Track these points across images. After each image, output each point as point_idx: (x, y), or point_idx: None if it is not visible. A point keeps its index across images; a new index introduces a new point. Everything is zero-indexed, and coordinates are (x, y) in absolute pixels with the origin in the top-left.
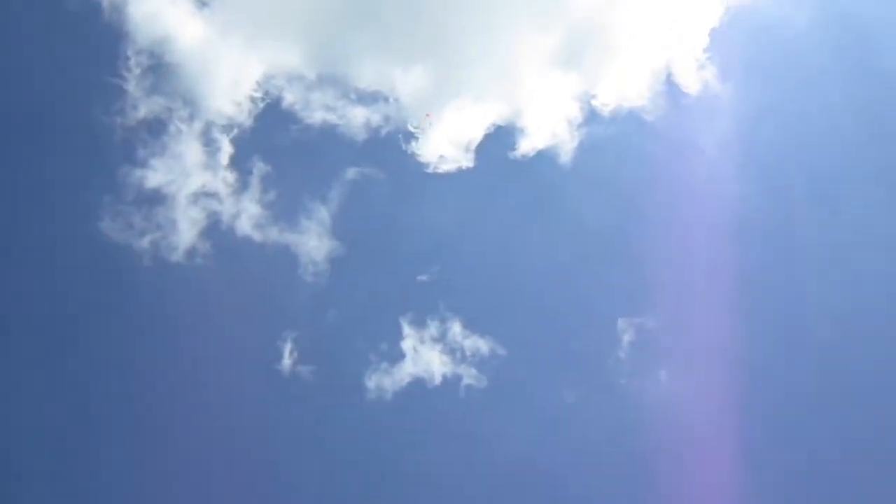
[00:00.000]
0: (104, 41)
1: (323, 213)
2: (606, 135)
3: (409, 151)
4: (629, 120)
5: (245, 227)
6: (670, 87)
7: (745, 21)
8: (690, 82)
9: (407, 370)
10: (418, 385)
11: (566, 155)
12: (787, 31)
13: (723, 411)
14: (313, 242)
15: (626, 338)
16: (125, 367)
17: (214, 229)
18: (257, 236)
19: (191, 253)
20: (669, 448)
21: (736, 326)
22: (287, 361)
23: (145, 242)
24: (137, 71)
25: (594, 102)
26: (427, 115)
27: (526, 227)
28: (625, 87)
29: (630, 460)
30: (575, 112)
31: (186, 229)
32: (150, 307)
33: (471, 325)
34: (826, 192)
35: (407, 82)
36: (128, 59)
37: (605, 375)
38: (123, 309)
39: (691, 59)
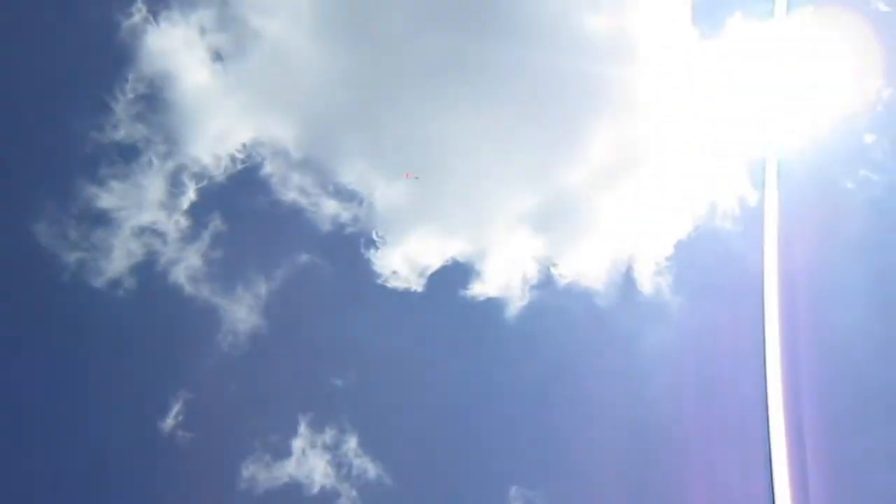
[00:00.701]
0: (109, 58)
1: (261, 289)
2: (555, 304)
3: (365, 257)
4: (580, 297)
5: (180, 275)
6: (627, 281)
7: (708, 243)
8: (645, 283)
9: (288, 470)
10: (294, 489)
11: (512, 310)
12: (744, 263)
13: None
14: (241, 314)
15: None
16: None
17: (147, 268)
18: (188, 289)
19: (114, 283)
20: None
21: None
22: (170, 421)
23: (73, 258)
24: (131, 95)
25: (553, 270)
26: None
27: (452, 367)
28: (585, 267)
29: None
30: (532, 273)
31: (119, 258)
32: (53, 323)
33: (367, 446)
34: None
35: (385, 193)
36: (125, 81)
37: None
38: (24, 316)
39: (652, 263)
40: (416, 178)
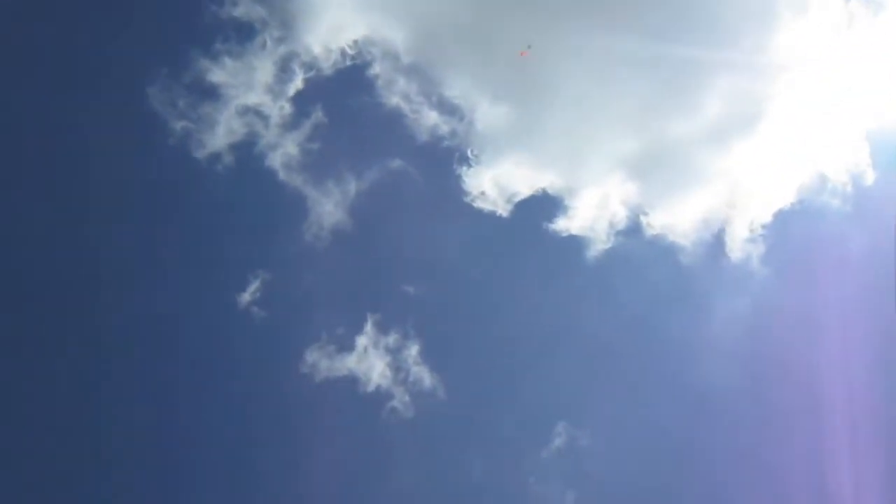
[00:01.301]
0: None
1: (351, 187)
2: (638, 253)
3: (457, 173)
4: (665, 251)
5: (275, 161)
6: (717, 242)
7: (810, 217)
8: (735, 248)
9: (348, 364)
10: (350, 382)
11: (594, 251)
12: (847, 245)
13: None
14: (328, 207)
15: (557, 442)
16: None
17: (246, 148)
18: (282, 175)
19: (213, 158)
20: None
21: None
22: (246, 296)
23: (179, 126)
24: None
25: (642, 219)
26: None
27: (524, 297)
28: (676, 221)
29: None
30: (621, 218)
31: (222, 134)
32: (153, 186)
33: (427, 355)
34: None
35: (487, 113)
36: None
37: (518, 469)
38: (127, 173)
39: (746, 228)
40: (530, 48)
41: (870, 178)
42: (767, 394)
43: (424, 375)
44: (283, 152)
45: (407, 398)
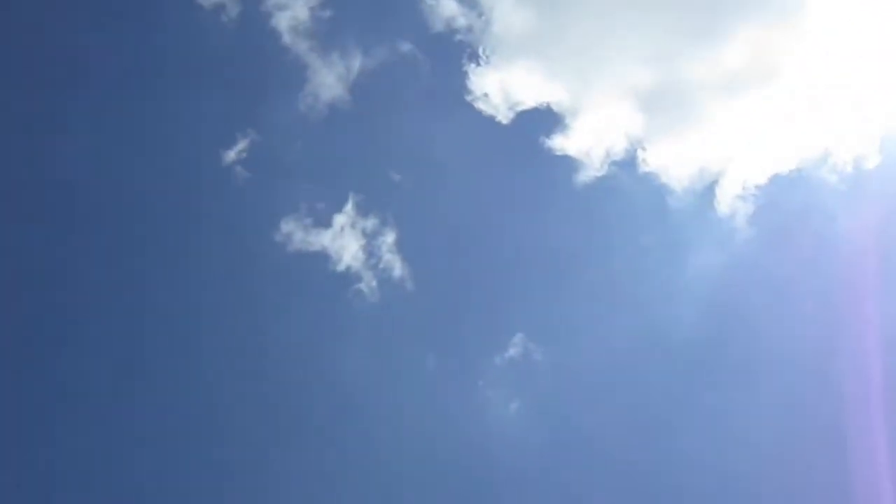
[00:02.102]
0: None
1: (355, 63)
2: (628, 187)
3: (464, 69)
4: (655, 191)
5: (282, 22)
6: (707, 193)
7: (805, 189)
8: (724, 203)
9: (322, 240)
10: (321, 259)
11: (585, 176)
12: (832, 226)
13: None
14: (329, 79)
15: (512, 352)
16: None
17: (253, 3)
18: (286, 37)
19: (217, 7)
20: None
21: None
22: (231, 154)
23: None
24: None
25: (639, 153)
26: None
27: (508, 206)
28: (672, 163)
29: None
30: (619, 148)
31: None
32: (149, 27)
33: (403, 245)
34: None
35: (508, 13)
36: None
37: (469, 371)
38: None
39: (740, 185)
40: None
41: (873, 162)
42: (726, 345)
43: (396, 264)
44: (292, 15)
45: (374, 283)
